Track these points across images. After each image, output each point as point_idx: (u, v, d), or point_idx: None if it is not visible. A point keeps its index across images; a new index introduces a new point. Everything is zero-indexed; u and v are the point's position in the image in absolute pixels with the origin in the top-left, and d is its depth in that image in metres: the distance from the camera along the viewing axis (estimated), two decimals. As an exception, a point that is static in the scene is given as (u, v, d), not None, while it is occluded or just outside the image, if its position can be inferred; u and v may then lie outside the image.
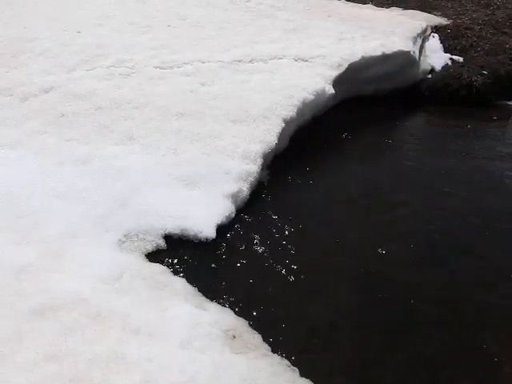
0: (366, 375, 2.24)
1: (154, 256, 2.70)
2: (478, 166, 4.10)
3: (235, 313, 2.41)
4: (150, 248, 2.73)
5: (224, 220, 2.99)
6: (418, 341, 2.41)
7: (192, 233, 2.84)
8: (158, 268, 2.59)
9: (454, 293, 2.71)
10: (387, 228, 3.22)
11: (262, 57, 4.89)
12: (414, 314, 2.56)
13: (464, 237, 3.19)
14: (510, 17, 6.79)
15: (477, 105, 5.34)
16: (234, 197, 3.15)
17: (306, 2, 7.23)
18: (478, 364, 2.30)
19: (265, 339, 2.27)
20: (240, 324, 2.32)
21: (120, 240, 2.71)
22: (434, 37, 6.40)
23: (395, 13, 7.08)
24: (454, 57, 5.97)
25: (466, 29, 6.48)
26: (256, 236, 3.04)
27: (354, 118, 4.80)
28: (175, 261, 2.72)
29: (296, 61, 4.86)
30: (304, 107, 4.14)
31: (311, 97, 4.20)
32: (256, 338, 2.27)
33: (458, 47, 6.14)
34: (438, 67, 5.81)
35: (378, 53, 5.16)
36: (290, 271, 2.78)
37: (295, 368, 2.16)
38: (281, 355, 2.21)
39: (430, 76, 5.71)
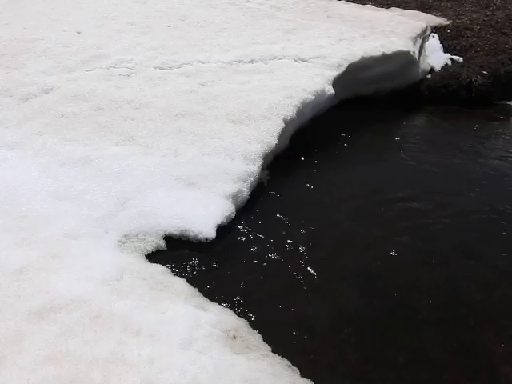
0: (367, 376, 2.24)
1: (154, 257, 2.70)
2: (479, 166, 4.10)
3: (236, 313, 2.41)
4: (150, 249, 2.73)
5: (224, 220, 2.99)
6: (419, 342, 2.40)
7: (192, 233, 2.84)
8: (158, 268, 2.59)
9: (454, 294, 2.71)
10: (387, 228, 3.22)
11: (261, 57, 4.89)
12: (415, 315, 2.56)
13: (464, 236, 3.19)
14: (509, 17, 6.79)
15: (477, 105, 5.34)
16: (234, 197, 3.15)
17: (306, 3, 7.23)
18: (479, 365, 2.30)
19: (265, 339, 2.27)
20: (240, 324, 2.32)
21: (120, 241, 2.71)
22: (433, 37, 6.41)
23: (395, 13, 7.08)
24: (454, 57, 5.98)
25: (466, 29, 6.49)
26: (256, 236, 3.04)
27: (353, 118, 4.80)
28: (175, 261, 2.72)
29: (296, 61, 4.86)
30: (304, 107, 4.14)
31: (311, 97, 4.20)
32: (257, 338, 2.27)
33: (458, 47, 6.15)
34: (437, 67, 5.82)
35: (378, 53, 5.16)
36: (290, 271, 2.78)
37: (296, 368, 2.16)
38: (281, 355, 2.21)
39: (429, 76, 5.72)
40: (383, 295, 2.67)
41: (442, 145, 4.51)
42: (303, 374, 2.14)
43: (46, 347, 2.00)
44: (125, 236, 2.75)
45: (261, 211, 3.28)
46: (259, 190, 3.43)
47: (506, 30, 6.44)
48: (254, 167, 3.38)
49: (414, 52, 5.48)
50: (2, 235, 2.62)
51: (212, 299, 2.47)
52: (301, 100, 4.11)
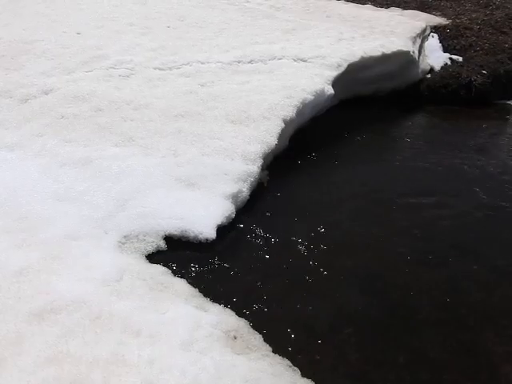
0: (367, 376, 2.24)
1: (154, 257, 2.70)
2: (478, 166, 4.10)
3: (236, 313, 2.40)
4: (150, 249, 2.73)
5: (224, 221, 2.99)
6: (419, 342, 2.40)
7: (192, 234, 2.84)
8: (158, 269, 2.59)
9: (454, 294, 2.71)
10: (387, 228, 3.22)
11: (261, 57, 4.89)
12: (415, 314, 2.56)
13: (464, 236, 3.19)
14: (508, 16, 6.79)
15: (476, 104, 5.34)
16: (234, 197, 3.15)
17: (305, 3, 7.23)
18: (479, 365, 2.30)
19: (266, 340, 2.27)
20: (241, 325, 2.32)
21: (120, 241, 2.72)
22: (433, 37, 6.41)
23: (394, 13, 7.08)
24: (454, 56, 5.97)
25: (466, 28, 6.48)
26: (256, 237, 3.04)
27: (353, 118, 4.80)
28: (175, 262, 2.72)
29: (295, 61, 4.86)
30: (303, 108, 4.14)
31: (311, 97, 4.20)
32: (257, 338, 2.27)
33: (458, 47, 6.15)
34: (437, 67, 5.82)
35: (378, 53, 5.16)
36: (290, 271, 2.78)
37: (296, 368, 2.16)
38: (282, 355, 2.21)
39: (429, 76, 5.71)
40: (383, 295, 2.67)
41: (442, 144, 4.51)
42: (304, 374, 2.14)
43: (47, 348, 2.00)
44: (125, 237, 2.75)
45: (261, 211, 3.28)
46: (259, 190, 3.43)
47: (505, 30, 6.44)
48: (254, 167, 3.38)
49: (413, 52, 5.48)
50: (2, 236, 2.62)
51: (212, 300, 2.47)
52: (300, 100, 4.11)
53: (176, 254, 2.78)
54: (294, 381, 2.08)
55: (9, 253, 2.50)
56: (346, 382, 2.21)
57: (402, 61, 5.37)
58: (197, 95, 4.16)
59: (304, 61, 4.86)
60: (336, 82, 4.62)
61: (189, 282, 2.55)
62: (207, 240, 2.84)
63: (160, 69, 4.64)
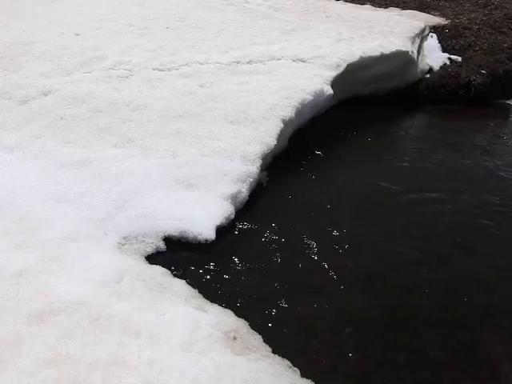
0: (367, 376, 2.23)
1: (153, 258, 2.70)
2: (478, 165, 4.10)
3: (236, 314, 2.40)
4: (149, 250, 2.73)
5: (223, 221, 2.98)
6: (419, 342, 2.40)
7: (191, 234, 2.84)
8: (157, 270, 2.58)
9: (454, 294, 2.71)
10: (387, 228, 3.22)
11: (260, 58, 4.89)
12: (415, 314, 2.56)
13: (464, 236, 3.19)
14: (507, 16, 6.80)
15: (475, 104, 5.34)
16: (233, 198, 3.14)
17: (305, 3, 7.24)
18: (478, 365, 2.30)
19: (266, 340, 2.27)
20: (241, 325, 2.32)
21: (119, 243, 2.71)
22: (432, 37, 6.42)
23: (393, 13, 7.09)
24: (453, 56, 5.98)
25: (464, 28, 6.49)
26: (255, 237, 3.04)
27: (352, 119, 4.80)
28: (175, 263, 2.72)
29: (294, 61, 4.86)
30: (303, 108, 4.14)
31: (310, 97, 4.20)
32: (257, 339, 2.27)
33: (457, 47, 6.15)
34: (436, 67, 5.82)
35: (377, 53, 5.16)
36: (289, 272, 2.78)
37: (296, 369, 2.16)
38: (282, 356, 2.21)
39: (428, 76, 5.72)
40: (383, 295, 2.67)
41: (441, 144, 4.51)
42: (304, 375, 2.13)
43: (46, 350, 2.00)
44: (124, 238, 2.74)
45: (260, 212, 3.27)
46: (258, 190, 3.43)
47: (504, 30, 6.44)
48: (253, 168, 3.38)
49: (412, 52, 5.49)
50: (1, 238, 2.61)
51: (212, 300, 2.47)
52: (299, 100, 4.11)
53: (175, 254, 2.78)
54: (294, 381, 2.08)
55: (8, 254, 2.50)
56: (346, 382, 2.20)
57: (401, 61, 5.38)
58: (196, 96, 4.16)
59: (303, 61, 4.86)
60: (335, 82, 4.63)
61: (188, 283, 2.55)
62: (206, 241, 2.84)
63: (159, 69, 4.64)
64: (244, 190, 3.24)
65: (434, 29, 6.55)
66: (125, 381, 1.90)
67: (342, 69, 4.78)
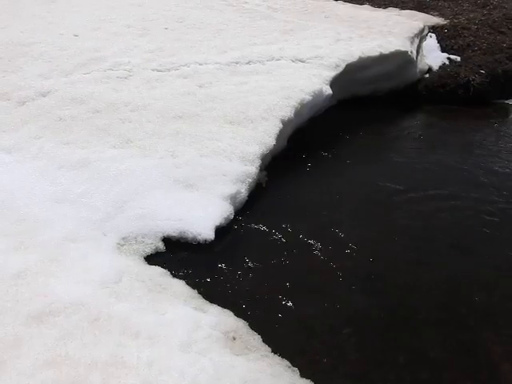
0: (367, 376, 2.23)
1: (152, 259, 2.70)
2: (478, 165, 4.09)
3: (235, 314, 2.39)
4: (148, 251, 2.73)
5: (222, 222, 2.98)
6: (419, 342, 2.40)
7: (191, 235, 2.84)
8: (157, 271, 2.58)
9: (454, 294, 2.70)
10: (387, 228, 3.21)
11: (259, 58, 4.89)
12: (415, 314, 2.56)
13: (464, 236, 3.18)
14: (506, 16, 6.80)
15: (474, 104, 5.35)
16: (233, 198, 3.14)
17: (303, 3, 7.24)
18: (478, 365, 2.29)
19: (265, 340, 2.27)
20: (240, 325, 2.31)
21: (119, 243, 2.71)
22: (431, 37, 6.42)
23: (392, 13, 7.09)
24: (452, 56, 5.98)
25: (463, 28, 6.49)
26: (254, 237, 3.04)
27: (351, 119, 4.80)
28: (174, 263, 2.72)
29: (293, 62, 4.86)
30: (302, 108, 4.14)
31: (309, 98, 4.20)
32: (256, 339, 2.26)
33: (455, 47, 6.15)
34: (435, 67, 5.82)
35: (376, 53, 5.16)
36: (289, 272, 2.78)
37: (295, 369, 2.16)
38: (281, 356, 2.20)
39: (427, 76, 5.72)
40: (383, 295, 2.67)
41: (441, 144, 4.51)
42: (303, 375, 2.13)
43: (45, 351, 1.99)
44: (123, 238, 2.74)
45: (259, 212, 3.27)
46: (257, 190, 3.43)
47: (503, 29, 6.45)
48: (252, 168, 3.38)
49: (411, 52, 5.49)
50: (0, 239, 2.61)
51: (211, 301, 2.46)
52: (298, 101, 4.11)
53: (175, 255, 2.78)
54: (294, 381, 2.08)
55: (7, 255, 2.49)
56: (346, 382, 2.20)
57: (400, 61, 5.38)
58: (195, 96, 4.16)
59: (302, 61, 4.86)
60: (334, 83, 4.62)
61: (187, 283, 2.55)
62: (206, 241, 2.84)
63: (158, 70, 4.64)
64: (243, 191, 3.24)
65: (433, 29, 6.56)
66: (124, 381, 1.90)
67: (340, 69, 4.78)
